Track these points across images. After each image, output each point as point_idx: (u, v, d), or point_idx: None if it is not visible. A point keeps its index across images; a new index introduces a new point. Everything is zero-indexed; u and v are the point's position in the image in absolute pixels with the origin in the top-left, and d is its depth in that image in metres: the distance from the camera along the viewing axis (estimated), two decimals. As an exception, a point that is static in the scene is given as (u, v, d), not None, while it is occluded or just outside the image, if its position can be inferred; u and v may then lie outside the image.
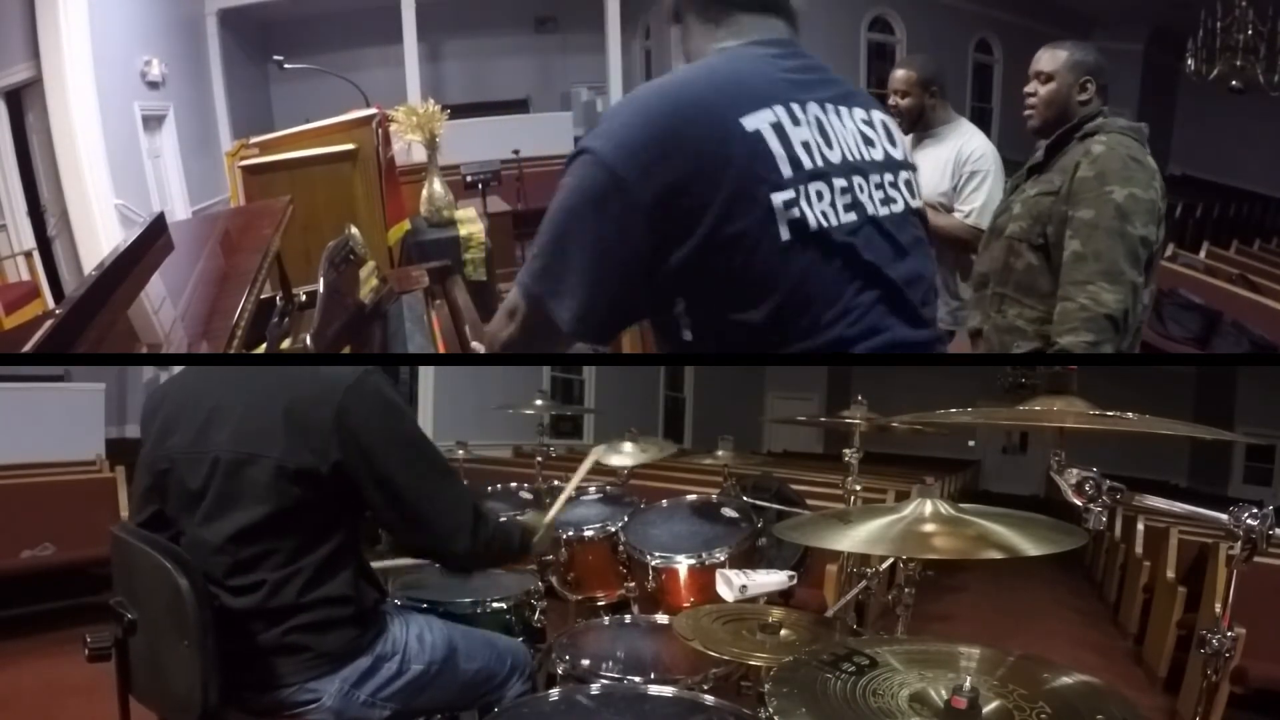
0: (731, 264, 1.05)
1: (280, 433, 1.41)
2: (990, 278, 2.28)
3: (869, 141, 1.21)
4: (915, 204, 1.27)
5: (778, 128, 1.07)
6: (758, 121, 1.06)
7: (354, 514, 1.50)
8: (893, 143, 1.27)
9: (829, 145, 1.13)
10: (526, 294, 1.14)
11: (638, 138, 1.04)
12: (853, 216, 1.13)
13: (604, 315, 1.11)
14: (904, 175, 1.26)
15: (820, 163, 1.11)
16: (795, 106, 1.11)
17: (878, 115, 1.26)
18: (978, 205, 2.75)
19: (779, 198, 1.05)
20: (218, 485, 1.44)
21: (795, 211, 1.06)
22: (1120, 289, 1.99)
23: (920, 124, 2.89)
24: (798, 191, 1.07)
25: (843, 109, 1.19)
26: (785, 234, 1.06)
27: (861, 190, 1.15)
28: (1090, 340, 2.00)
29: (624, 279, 1.07)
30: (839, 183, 1.12)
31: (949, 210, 2.84)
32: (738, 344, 1.11)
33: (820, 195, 1.09)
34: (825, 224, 1.09)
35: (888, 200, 1.20)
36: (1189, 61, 7.36)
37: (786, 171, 1.07)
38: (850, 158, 1.16)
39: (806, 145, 1.10)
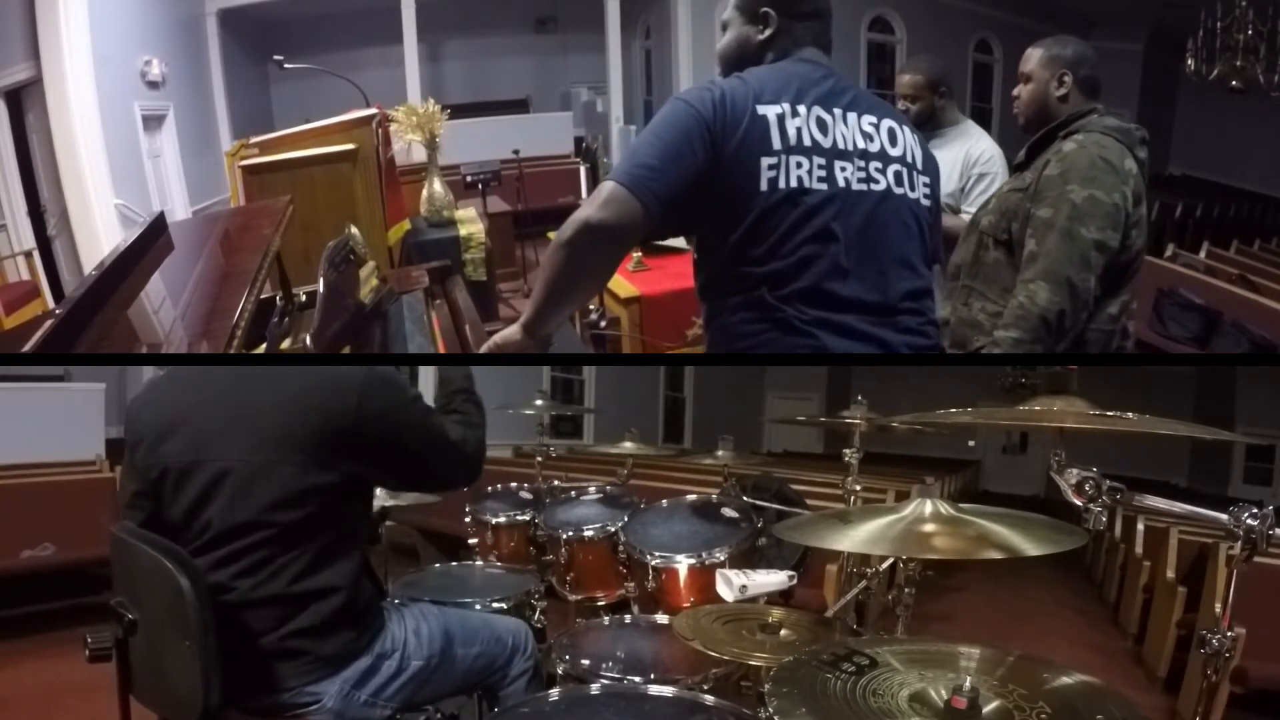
0: (725, 190, 1.47)
1: (299, 438, 1.41)
2: (961, 269, 2.28)
3: (868, 137, 1.56)
4: (899, 191, 1.58)
5: (780, 117, 1.49)
6: (767, 110, 1.49)
7: (357, 510, 1.51)
8: (893, 144, 1.59)
9: (824, 134, 1.51)
10: (615, 173, 1.47)
11: (707, 93, 1.50)
12: (824, 186, 1.50)
13: (659, 175, 1.43)
14: (894, 168, 1.58)
15: (807, 144, 1.49)
16: (800, 106, 1.51)
17: (887, 123, 1.60)
18: None
19: (765, 161, 1.47)
20: (228, 491, 1.42)
21: (774, 173, 1.47)
22: (1059, 290, 1.95)
23: (929, 125, 2.89)
24: (780, 159, 1.47)
25: (850, 114, 1.56)
26: (764, 185, 1.47)
27: (842, 170, 1.52)
28: (1017, 337, 1.98)
29: (680, 160, 1.46)
30: (818, 160, 1.50)
31: (955, 211, 2.84)
32: (724, 262, 1.51)
33: (799, 165, 1.48)
34: (795, 185, 1.48)
35: (867, 180, 1.54)
36: (1189, 61, 7.36)
37: (776, 145, 1.47)
38: (840, 146, 1.53)
39: (799, 131, 1.49)
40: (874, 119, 1.58)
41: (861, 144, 1.55)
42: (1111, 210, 1.98)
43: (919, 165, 1.63)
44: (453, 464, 1.59)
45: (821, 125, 1.52)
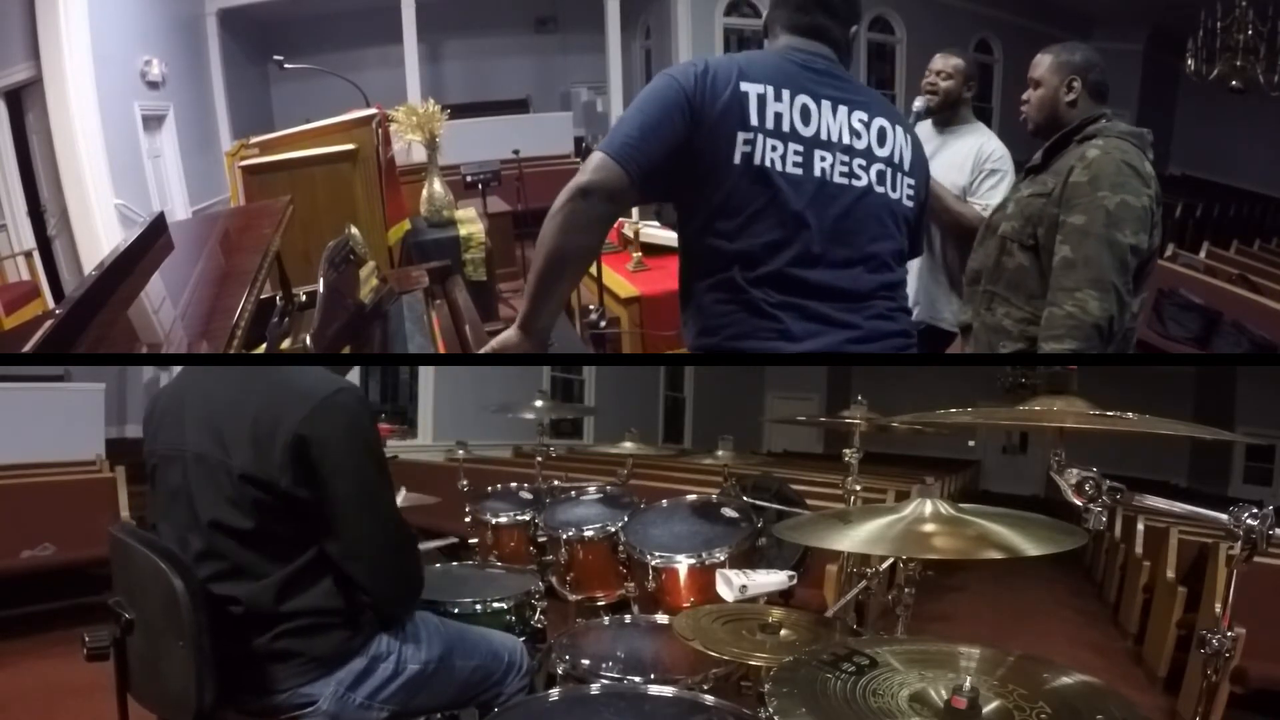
0: (702, 159, 1.52)
1: (246, 441, 1.38)
2: (982, 275, 2.29)
3: (855, 134, 1.59)
4: (880, 190, 1.60)
5: (761, 97, 1.53)
6: (750, 88, 1.52)
7: (322, 528, 1.44)
8: (881, 143, 1.61)
9: (806, 123, 1.54)
10: (601, 144, 1.53)
11: (692, 67, 1.55)
12: (799, 172, 1.53)
13: (640, 145, 1.49)
14: (877, 167, 1.60)
15: (786, 129, 1.53)
16: (785, 91, 1.54)
17: (879, 122, 1.61)
18: (994, 202, 2.76)
19: (741, 135, 1.51)
20: (191, 484, 1.44)
21: (749, 149, 1.51)
22: (1107, 297, 1.98)
23: (949, 113, 2.90)
24: (756, 137, 1.51)
25: (841, 107, 1.58)
26: (737, 159, 1.51)
27: (823, 160, 1.55)
28: (1075, 348, 2.00)
29: (660, 131, 1.51)
30: (795, 146, 1.53)
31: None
32: (698, 233, 1.56)
33: (775, 148, 1.52)
34: (768, 165, 1.51)
35: (849, 175, 1.57)
36: (1189, 61, 7.36)
37: (754, 121, 1.51)
38: (823, 136, 1.55)
39: (779, 115, 1.53)
40: (865, 116, 1.60)
41: (847, 139, 1.57)
42: (1142, 214, 2.01)
43: (905, 166, 1.65)
44: (390, 550, 1.46)
45: (805, 114, 1.55)
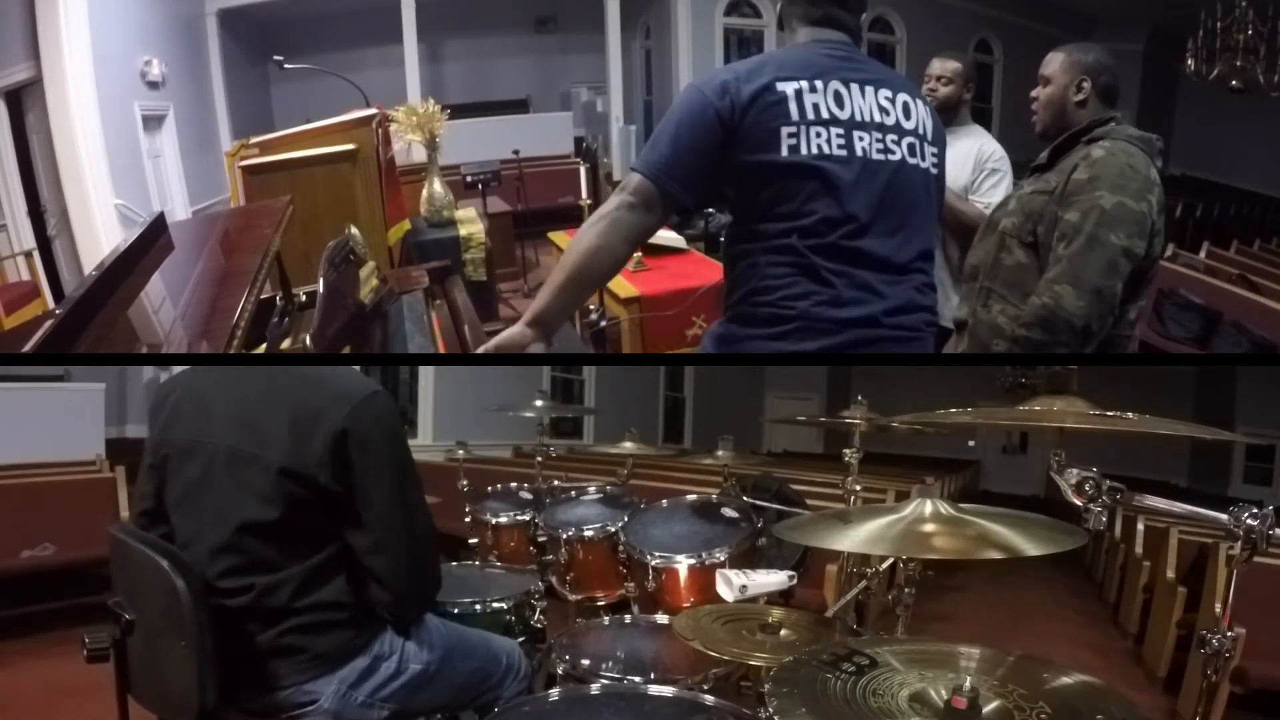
0: (747, 160, 1.60)
1: (285, 436, 1.41)
2: (980, 270, 2.27)
3: (884, 111, 1.68)
4: (913, 161, 1.69)
5: (798, 92, 1.61)
6: (786, 87, 1.61)
7: (350, 523, 1.48)
8: (907, 117, 1.71)
9: (840, 108, 1.63)
10: (636, 162, 1.63)
11: (718, 78, 1.63)
12: (844, 153, 1.61)
13: (673, 160, 1.60)
14: (908, 140, 1.69)
15: (826, 116, 1.61)
16: (818, 82, 1.63)
17: (902, 97, 1.71)
18: (995, 200, 2.76)
19: (785, 130, 1.59)
20: (217, 477, 1.44)
21: (794, 141, 1.59)
22: (1084, 295, 1.95)
23: (949, 115, 2.91)
24: (799, 129, 1.59)
25: (868, 88, 1.67)
26: (784, 152, 1.59)
27: (860, 140, 1.63)
28: (1040, 340, 1.99)
29: (693, 143, 1.61)
30: (836, 130, 1.62)
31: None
32: (753, 221, 1.64)
33: (819, 134, 1.60)
34: (816, 152, 1.60)
35: (885, 151, 1.66)
36: (1189, 61, 7.37)
37: (794, 116, 1.60)
38: (858, 118, 1.64)
39: (816, 106, 1.61)
40: (890, 94, 1.70)
41: (878, 117, 1.66)
42: (1139, 218, 1.99)
43: (929, 137, 1.74)
44: (416, 547, 1.49)
45: (838, 99, 1.64)
